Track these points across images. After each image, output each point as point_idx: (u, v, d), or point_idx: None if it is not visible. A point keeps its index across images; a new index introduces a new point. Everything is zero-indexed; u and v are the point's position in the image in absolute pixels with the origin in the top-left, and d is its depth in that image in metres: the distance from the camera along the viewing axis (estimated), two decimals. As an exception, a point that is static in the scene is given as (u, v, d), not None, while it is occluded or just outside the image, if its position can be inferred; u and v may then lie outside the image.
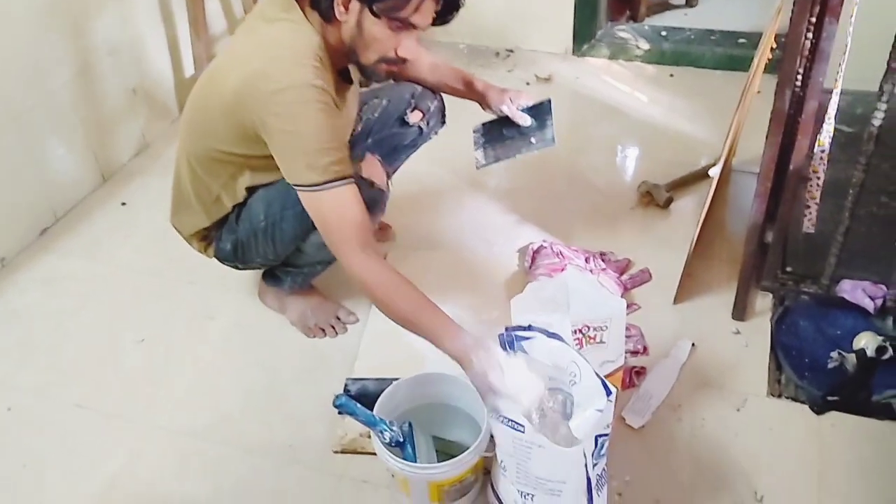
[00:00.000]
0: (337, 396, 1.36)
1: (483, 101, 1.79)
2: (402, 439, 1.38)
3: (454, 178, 2.34)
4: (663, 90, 2.78)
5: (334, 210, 1.42)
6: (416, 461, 1.38)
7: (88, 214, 2.27)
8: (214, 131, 1.52)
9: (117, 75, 2.37)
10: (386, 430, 1.36)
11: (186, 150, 1.62)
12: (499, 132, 1.78)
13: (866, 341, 1.63)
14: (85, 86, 2.27)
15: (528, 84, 2.81)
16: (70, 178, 2.29)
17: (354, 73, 1.63)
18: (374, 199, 1.55)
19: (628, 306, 1.79)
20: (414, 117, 1.81)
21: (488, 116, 1.82)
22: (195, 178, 1.62)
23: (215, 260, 1.75)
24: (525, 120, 1.73)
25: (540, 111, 1.75)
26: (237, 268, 1.78)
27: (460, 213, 2.21)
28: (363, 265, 1.40)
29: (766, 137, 1.59)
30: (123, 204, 2.31)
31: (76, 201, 2.30)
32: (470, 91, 1.81)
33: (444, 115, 1.90)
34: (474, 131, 1.82)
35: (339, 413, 1.37)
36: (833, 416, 1.58)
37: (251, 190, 1.61)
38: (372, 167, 1.59)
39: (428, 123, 1.84)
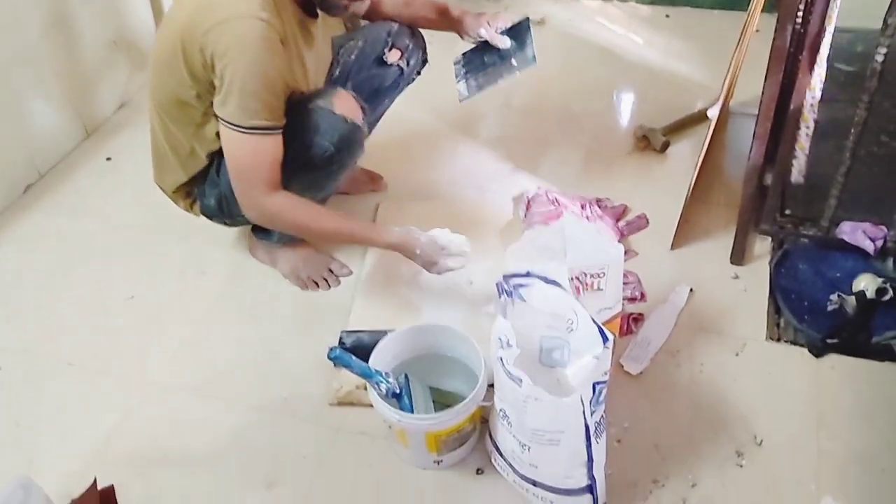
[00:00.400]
0: (331, 349, 1.34)
1: (460, 29, 1.74)
2: (398, 391, 1.36)
3: (447, 126, 2.29)
4: (659, 31, 2.71)
5: (251, 156, 1.42)
6: (413, 412, 1.36)
7: (73, 170, 2.22)
8: (172, 74, 1.48)
9: (95, 26, 2.30)
10: (382, 382, 1.34)
11: (153, 99, 1.58)
12: (479, 60, 1.72)
13: (866, 283, 1.63)
14: (62, 38, 2.20)
15: (520, 28, 2.73)
16: (52, 134, 2.24)
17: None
18: (349, 135, 1.51)
19: (625, 253, 1.77)
20: (392, 56, 1.77)
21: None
22: (166, 130, 1.59)
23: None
24: (504, 42, 1.68)
25: (519, 31, 1.70)
26: (226, 224, 1.75)
27: (454, 163, 2.17)
28: (275, 201, 1.45)
29: (766, 76, 1.55)
30: (108, 159, 2.25)
31: (60, 157, 2.25)
32: (446, 20, 1.76)
33: (425, 53, 1.85)
34: (455, 63, 1.77)
35: (335, 366, 1.35)
36: (832, 358, 1.57)
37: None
38: (345, 102, 1.53)
39: (408, 63, 1.79)
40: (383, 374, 1.35)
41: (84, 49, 2.28)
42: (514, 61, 1.67)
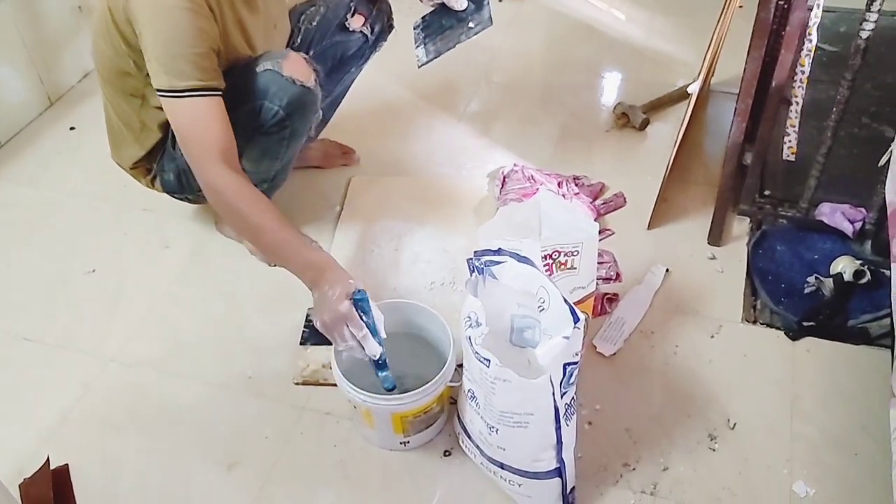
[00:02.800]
0: (357, 290, 1.27)
1: None
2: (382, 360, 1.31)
3: (424, 100, 2.24)
4: (641, 7, 2.66)
5: (192, 122, 1.35)
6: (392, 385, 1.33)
7: (35, 139, 2.15)
8: (109, 43, 1.43)
9: (60, -8, 2.22)
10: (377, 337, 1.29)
11: (99, 72, 1.53)
12: (438, 24, 1.68)
13: (844, 265, 1.61)
14: (25, 4, 2.12)
15: (500, 0, 2.67)
16: (15, 102, 2.17)
17: None
18: (299, 98, 1.45)
19: (602, 232, 1.74)
20: (355, 22, 1.71)
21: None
22: (115, 103, 1.54)
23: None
24: (461, 3, 1.63)
25: None
26: (188, 200, 1.70)
27: (428, 137, 2.12)
28: (225, 177, 1.34)
29: (748, 52, 1.51)
30: (72, 128, 2.18)
31: (22, 125, 2.18)
32: None
33: (390, 19, 1.80)
34: (414, 28, 1.72)
35: (356, 308, 1.26)
36: (808, 341, 1.55)
37: None
38: (294, 63, 1.46)
39: (372, 29, 1.74)
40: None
41: (48, 15, 2.20)
42: (471, 23, 1.63)
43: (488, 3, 1.62)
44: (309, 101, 1.48)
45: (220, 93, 1.36)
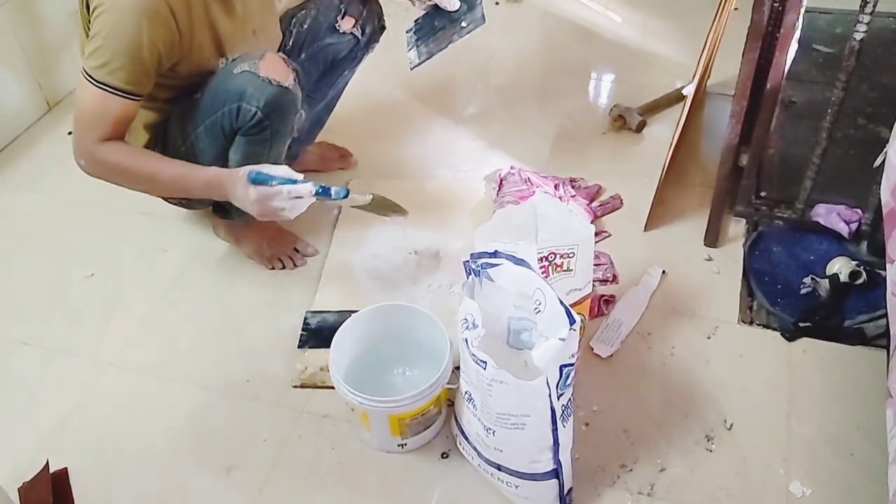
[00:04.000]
0: (248, 174, 1.37)
1: None
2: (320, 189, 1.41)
3: (421, 103, 2.24)
4: (637, 9, 2.67)
5: (94, 109, 1.39)
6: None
7: (33, 144, 2.15)
8: (83, 41, 1.44)
9: (57, -3, 2.23)
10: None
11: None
12: (430, 26, 1.68)
13: (840, 266, 1.61)
14: (24, 9, 2.13)
15: (497, 3, 2.68)
16: (13, 107, 2.17)
17: None
18: (278, 98, 1.44)
19: (598, 234, 1.74)
20: (346, 24, 1.72)
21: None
22: None
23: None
24: (454, 4, 1.63)
25: None
26: (183, 205, 1.70)
27: (425, 140, 2.12)
28: (103, 146, 1.41)
29: (743, 54, 1.52)
30: (70, 133, 2.17)
31: (20, 130, 2.19)
32: None
33: (381, 20, 1.80)
34: (407, 32, 1.72)
35: (254, 184, 1.36)
36: (804, 342, 1.55)
37: (162, 111, 1.54)
38: (271, 64, 1.45)
39: (363, 31, 1.75)
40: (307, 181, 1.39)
41: (46, 20, 2.21)
42: (463, 23, 1.63)
43: (480, 2, 1.62)
44: (287, 100, 1.47)
45: (136, 98, 1.40)
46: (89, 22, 1.39)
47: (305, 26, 1.71)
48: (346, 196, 1.44)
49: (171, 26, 1.38)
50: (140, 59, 1.36)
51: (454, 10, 1.63)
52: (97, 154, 1.41)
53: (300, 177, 1.38)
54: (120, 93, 1.36)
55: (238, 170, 1.41)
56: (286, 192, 1.37)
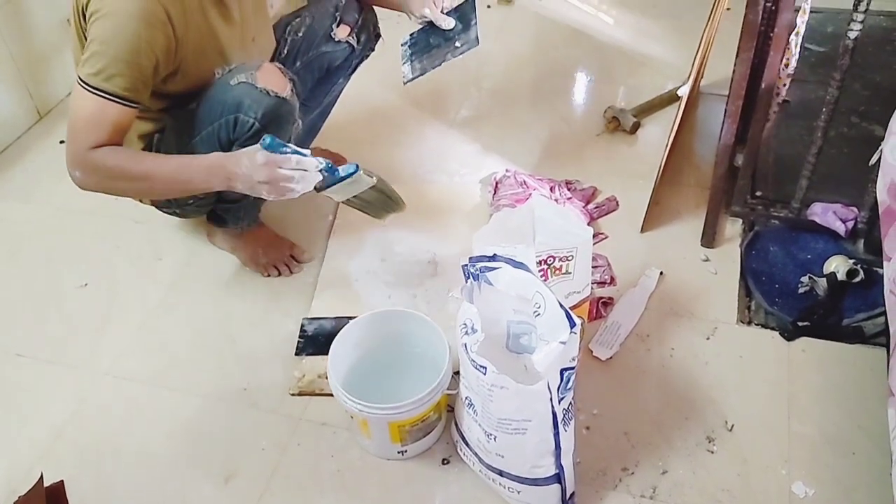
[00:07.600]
0: (263, 138, 1.32)
1: (407, 8, 1.67)
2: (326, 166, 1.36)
3: (415, 107, 2.24)
4: (630, 11, 2.67)
5: (90, 117, 1.35)
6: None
7: (25, 153, 2.14)
8: (80, 47, 1.41)
9: (48, 6, 2.21)
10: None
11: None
12: (425, 42, 1.68)
13: (837, 265, 1.61)
14: (14, 17, 2.11)
15: (489, 7, 2.68)
16: (4, 116, 2.16)
17: None
18: (275, 109, 1.43)
19: (595, 236, 1.73)
20: (341, 32, 1.71)
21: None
22: None
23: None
24: (449, 23, 1.63)
25: (464, 12, 1.65)
26: (177, 214, 1.69)
27: (420, 144, 2.12)
28: (95, 152, 1.36)
29: (737, 54, 1.52)
30: (62, 142, 2.14)
31: (11, 140, 2.18)
32: None
33: (376, 28, 1.79)
34: (402, 45, 1.72)
35: (269, 151, 1.31)
36: (803, 341, 1.55)
37: (157, 121, 1.52)
38: (268, 74, 1.45)
39: (358, 39, 1.74)
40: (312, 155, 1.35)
41: (36, 28, 2.20)
42: (457, 43, 1.63)
43: (475, 24, 1.62)
44: (285, 111, 1.46)
45: (133, 105, 1.37)
46: (85, 29, 1.37)
47: (300, 34, 1.71)
48: (354, 172, 1.39)
49: (168, 32, 1.36)
50: (138, 65, 1.34)
51: (449, 28, 1.63)
52: (91, 160, 1.37)
53: (308, 153, 1.35)
54: (117, 99, 1.34)
55: (240, 151, 1.37)
56: (295, 161, 1.32)
